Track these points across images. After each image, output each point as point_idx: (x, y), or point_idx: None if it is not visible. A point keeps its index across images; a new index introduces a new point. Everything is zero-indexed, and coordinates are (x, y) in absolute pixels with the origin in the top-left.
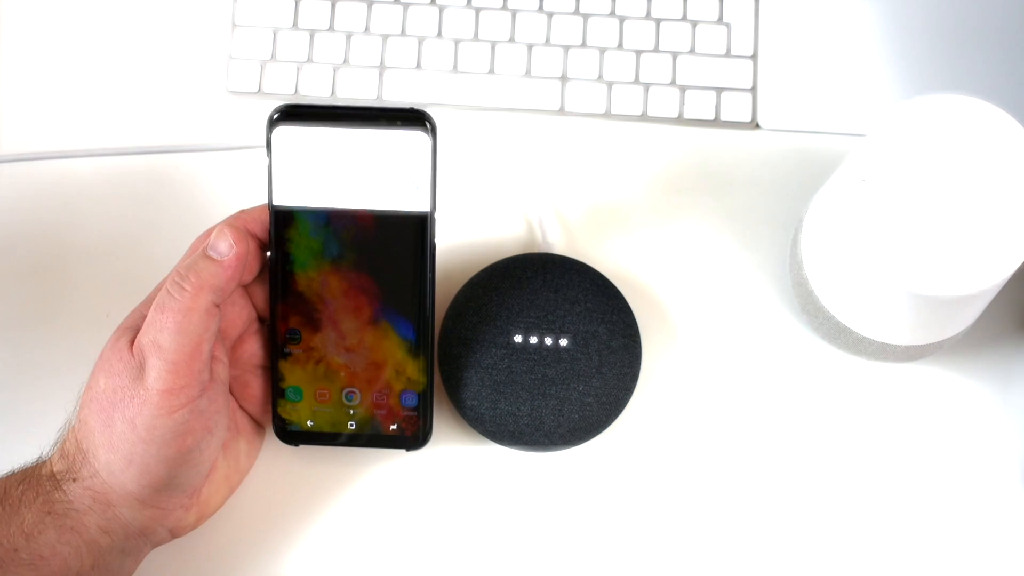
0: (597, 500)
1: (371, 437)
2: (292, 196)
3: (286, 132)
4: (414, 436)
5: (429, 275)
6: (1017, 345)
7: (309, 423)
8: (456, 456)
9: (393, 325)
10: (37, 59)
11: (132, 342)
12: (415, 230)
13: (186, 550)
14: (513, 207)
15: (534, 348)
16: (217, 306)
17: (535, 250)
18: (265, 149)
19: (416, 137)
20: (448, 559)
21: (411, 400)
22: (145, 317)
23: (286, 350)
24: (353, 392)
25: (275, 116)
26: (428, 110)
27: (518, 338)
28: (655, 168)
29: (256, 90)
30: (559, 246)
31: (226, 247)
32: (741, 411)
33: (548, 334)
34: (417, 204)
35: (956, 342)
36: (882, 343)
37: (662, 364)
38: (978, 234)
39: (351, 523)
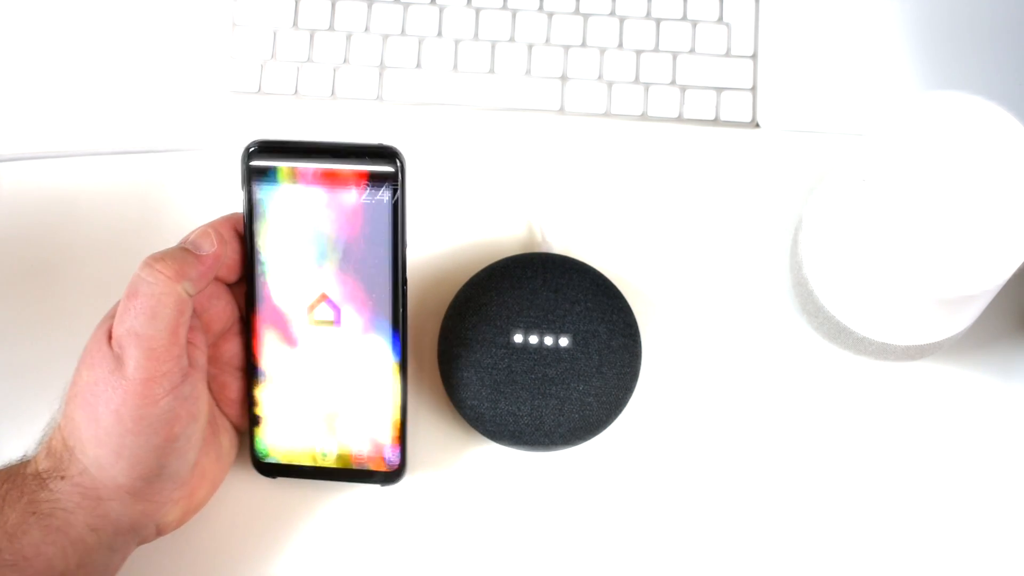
0: (597, 500)
1: (346, 471)
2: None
3: (262, 167)
4: (388, 472)
5: (402, 312)
6: (1017, 345)
7: (285, 455)
8: (456, 456)
9: (367, 361)
10: (37, 59)
11: (109, 332)
12: (385, 265)
13: (186, 554)
14: (513, 207)
15: (534, 348)
16: (191, 296)
17: (535, 250)
18: (241, 183)
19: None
20: (448, 559)
21: (385, 436)
22: None
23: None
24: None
25: (251, 150)
26: (397, 146)
27: (518, 338)
28: (655, 168)
29: (256, 90)
30: (559, 246)
31: (208, 246)
32: (741, 411)
33: (548, 334)
34: (387, 239)
35: (956, 342)
36: (882, 343)
37: (662, 364)
38: (978, 234)
39: (349, 522)
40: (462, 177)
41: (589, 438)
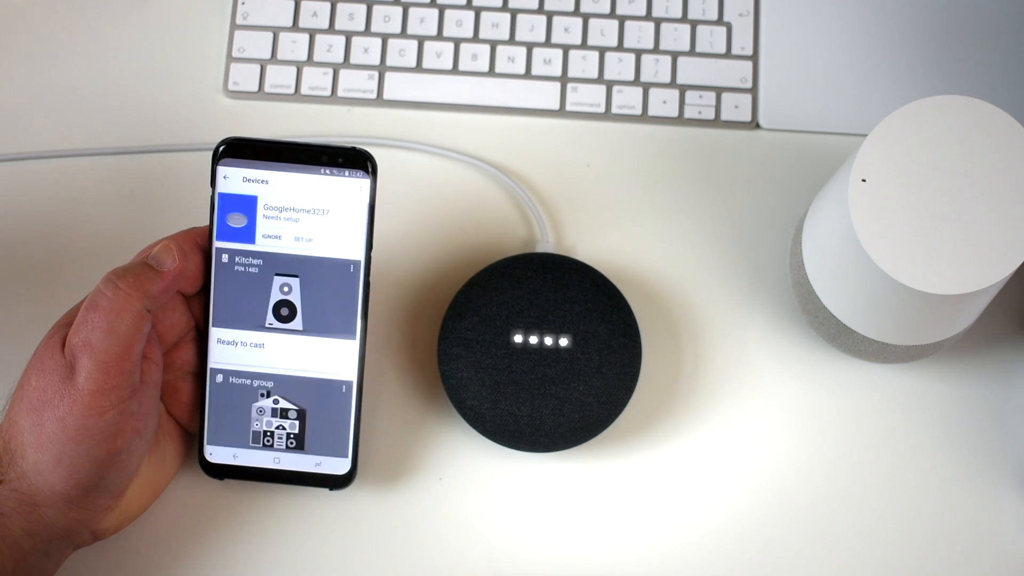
0: (597, 500)
1: (295, 474)
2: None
3: (232, 165)
4: (338, 476)
5: (362, 316)
6: (1017, 345)
7: (234, 456)
8: (456, 456)
9: (324, 364)
10: (37, 58)
11: (64, 340)
12: (352, 269)
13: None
14: (513, 207)
15: (534, 348)
16: (149, 312)
17: (535, 250)
18: (210, 181)
19: (356, 176)
20: (447, 559)
21: (337, 439)
22: None
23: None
24: (280, 428)
25: (221, 149)
26: (370, 150)
27: (518, 338)
28: (655, 168)
29: (256, 90)
30: (559, 246)
31: (170, 261)
32: (741, 411)
33: (548, 334)
34: (355, 242)
35: (956, 342)
36: (882, 343)
37: (662, 364)
38: (978, 234)
39: (347, 520)
40: (462, 177)
41: (589, 438)
